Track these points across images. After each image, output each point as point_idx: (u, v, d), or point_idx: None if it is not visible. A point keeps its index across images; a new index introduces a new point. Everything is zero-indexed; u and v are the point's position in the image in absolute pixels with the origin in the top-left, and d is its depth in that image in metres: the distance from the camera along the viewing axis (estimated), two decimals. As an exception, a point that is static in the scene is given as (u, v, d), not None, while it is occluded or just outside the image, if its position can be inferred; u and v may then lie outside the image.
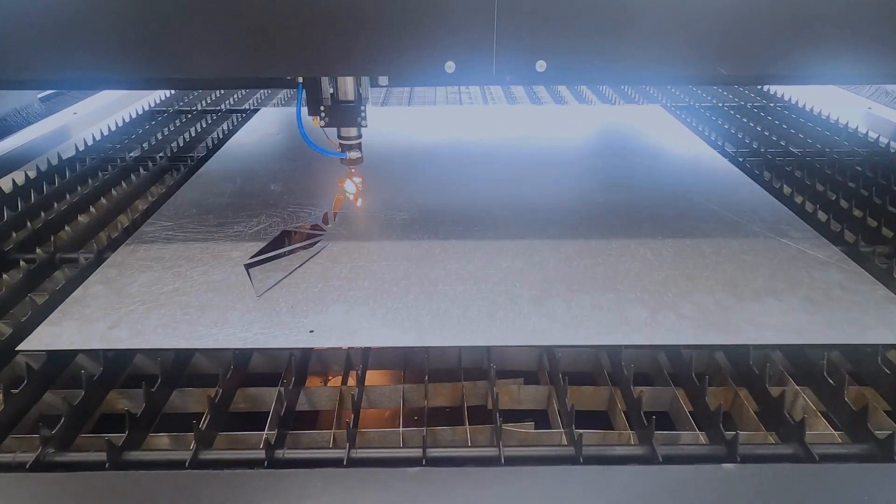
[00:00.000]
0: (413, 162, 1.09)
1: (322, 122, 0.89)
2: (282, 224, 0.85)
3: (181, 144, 1.22)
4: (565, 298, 0.67)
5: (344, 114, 0.90)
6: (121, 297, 0.68)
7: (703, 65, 0.73)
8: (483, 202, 0.91)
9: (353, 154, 0.94)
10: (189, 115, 1.43)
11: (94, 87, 1.40)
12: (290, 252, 0.77)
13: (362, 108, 0.90)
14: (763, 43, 0.69)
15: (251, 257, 0.76)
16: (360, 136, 0.94)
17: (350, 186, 0.93)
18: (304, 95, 0.87)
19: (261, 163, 1.08)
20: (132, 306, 0.66)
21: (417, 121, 1.34)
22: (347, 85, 0.90)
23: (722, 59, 0.73)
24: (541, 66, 0.74)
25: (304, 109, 0.89)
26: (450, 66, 0.73)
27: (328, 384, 0.67)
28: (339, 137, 0.93)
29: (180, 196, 0.94)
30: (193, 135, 1.29)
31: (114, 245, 0.83)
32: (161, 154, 1.17)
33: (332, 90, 0.91)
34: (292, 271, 0.73)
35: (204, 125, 1.37)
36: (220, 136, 1.29)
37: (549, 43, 0.72)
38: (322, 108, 0.89)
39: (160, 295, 0.68)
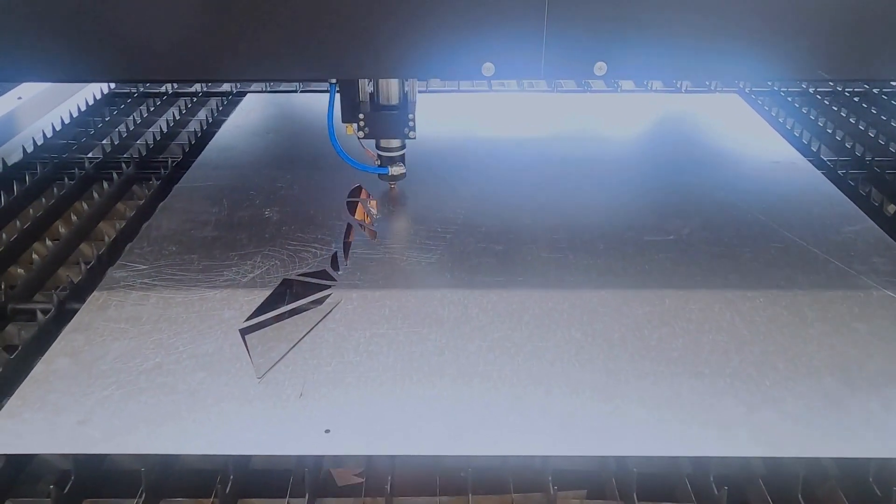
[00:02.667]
0: (438, 171, 1.06)
1: (360, 133, 0.88)
2: (282, 269, 0.83)
3: (151, 144, 1.19)
4: (637, 387, 0.65)
5: (388, 122, 0.89)
6: (91, 376, 0.67)
7: (799, 63, 0.71)
8: (527, 235, 0.89)
9: (397, 169, 0.94)
10: (159, 101, 1.40)
11: (90, 80, 1.37)
12: (295, 311, 0.75)
13: (410, 115, 0.88)
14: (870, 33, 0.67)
15: (247, 319, 0.74)
16: (404, 148, 0.92)
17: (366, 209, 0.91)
18: (336, 99, 0.85)
19: (251, 175, 1.05)
20: (106, 390, 0.65)
21: (441, 112, 1.30)
22: (391, 87, 0.89)
23: (821, 55, 0.71)
24: (600, 68, 0.72)
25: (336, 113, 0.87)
26: (488, 69, 0.71)
27: (348, 496, 0.65)
28: (379, 149, 0.92)
29: (155, 226, 0.92)
30: (166, 129, 1.26)
31: (78, 293, 0.81)
32: (128, 158, 1.15)
33: (371, 92, 0.89)
34: (299, 341, 0.71)
35: (177, 115, 1.34)
36: (200, 132, 1.26)
37: (611, 42, 0.70)
38: (361, 115, 0.87)
39: (139, 374, 0.67)
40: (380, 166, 0.94)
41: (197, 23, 0.69)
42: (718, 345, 0.71)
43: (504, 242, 0.88)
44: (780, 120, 1.30)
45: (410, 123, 0.90)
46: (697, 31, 0.69)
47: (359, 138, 0.90)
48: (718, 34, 0.70)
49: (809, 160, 1.12)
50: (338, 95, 0.88)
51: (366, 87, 0.90)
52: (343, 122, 0.89)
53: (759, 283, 0.80)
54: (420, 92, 1.38)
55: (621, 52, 0.71)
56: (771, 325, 0.74)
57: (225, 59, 0.70)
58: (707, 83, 1.45)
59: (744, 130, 1.24)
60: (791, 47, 0.70)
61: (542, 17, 0.69)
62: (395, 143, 0.93)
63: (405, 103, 0.91)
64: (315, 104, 1.35)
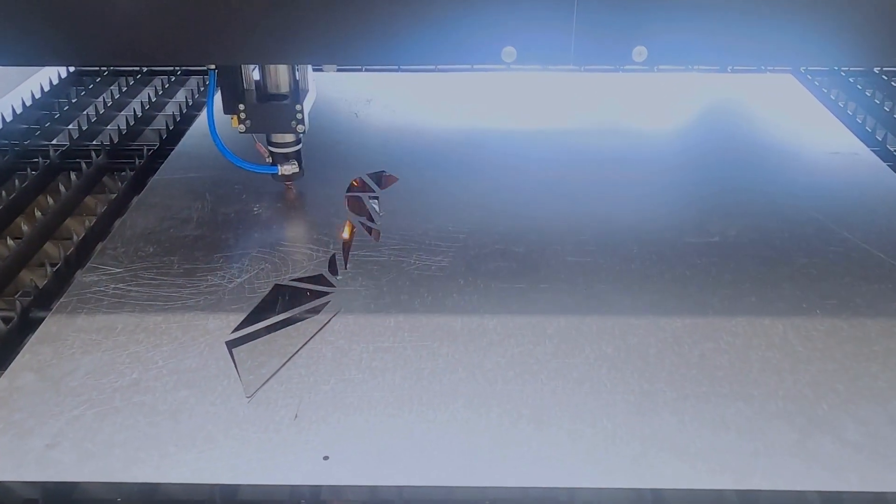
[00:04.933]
0: (450, 161, 1.07)
1: (241, 127, 0.88)
2: (273, 273, 0.84)
3: (124, 130, 1.20)
4: (676, 408, 0.66)
5: (272, 114, 0.89)
6: (60, 393, 0.67)
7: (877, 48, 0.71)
8: (550, 236, 0.90)
9: (287, 168, 0.95)
10: (132, 80, 1.41)
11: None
12: (289, 322, 0.76)
13: (298, 106, 0.88)
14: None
15: (235, 330, 0.75)
16: (298, 143, 0.93)
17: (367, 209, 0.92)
18: (215, 86, 0.87)
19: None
20: (77, 409, 0.66)
21: (452, 94, 1.31)
22: (279, 74, 0.89)
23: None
24: (639, 53, 0.73)
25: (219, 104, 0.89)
26: (509, 54, 0.72)
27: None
28: (270, 144, 0.93)
29: (130, 223, 0.93)
30: (140, 113, 1.27)
31: (43, 299, 0.82)
32: (97, 146, 1.16)
33: (256, 79, 0.90)
34: (293, 355, 0.72)
35: (153, 96, 1.35)
36: (179, 116, 1.27)
37: (651, 22, 0.71)
38: (241, 105, 0.88)
39: (114, 392, 0.68)
40: (271, 164, 0.95)
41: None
42: (769, 363, 0.71)
43: (525, 244, 0.89)
44: (841, 104, 1.30)
45: (299, 116, 0.89)
46: (754, 8, 0.69)
47: (240, 132, 0.90)
48: (779, 11, 0.70)
49: (874, 150, 1.12)
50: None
51: (250, 73, 0.90)
52: (224, 113, 0.90)
53: (815, 293, 0.80)
54: (428, 71, 1.39)
55: (664, 35, 0.71)
56: (829, 341, 0.74)
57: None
58: (757, 63, 1.45)
59: (798, 116, 1.24)
60: (867, 29, 0.70)
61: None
62: (289, 137, 0.93)
63: (295, 92, 0.91)
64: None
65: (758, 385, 0.69)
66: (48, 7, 0.70)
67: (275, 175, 0.96)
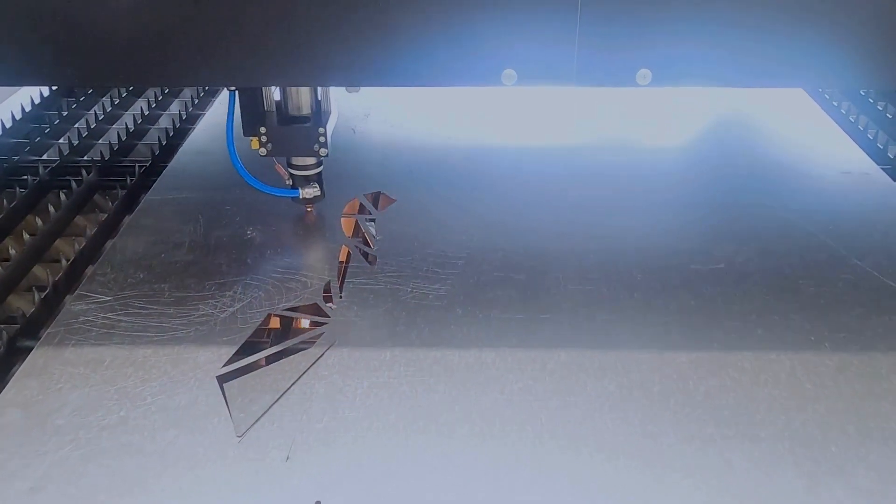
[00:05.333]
0: (448, 182, 1.07)
1: (262, 150, 0.88)
2: (266, 301, 0.83)
3: (116, 145, 1.20)
4: (681, 452, 0.65)
5: (294, 137, 0.89)
6: (46, 432, 0.67)
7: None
8: (553, 262, 0.89)
9: (309, 191, 0.94)
10: (125, 91, 1.41)
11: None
12: (282, 354, 0.75)
13: (321, 129, 0.87)
14: None
15: (226, 364, 0.74)
16: (319, 166, 0.93)
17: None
18: (235, 107, 0.87)
19: (231, 186, 1.05)
20: (62, 450, 0.65)
21: (449, 107, 1.31)
22: (301, 96, 0.89)
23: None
24: (643, 77, 0.73)
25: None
26: (509, 76, 0.72)
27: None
28: (290, 167, 0.92)
29: (120, 247, 0.93)
30: (133, 127, 1.27)
31: (30, 328, 0.82)
32: (88, 162, 1.16)
33: (277, 100, 0.90)
34: (285, 391, 0.71)
35: (146, 110, 1.34)
36: (173, 130, 1.27)
37: (656, 43, 0.70)
38: (262, 128, 0.87)
39: (101, 431, 0.67)
40: (291, 187, 0.94)
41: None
42: (776, 401, 0.70)
43: (526, 271, 0.88)
44: (852, 119, 1.30)
45: (322, 139, 0.89)
46: (766, 28, 0.69)
47: (261, 155, 0.90)
48: (792, 30, 0.69)
49: (884, 169, 1.11)
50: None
51: (271, 94, 0.89)
52: (245, 135, 0.89)
53: (824, 325, 0.80)
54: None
55: (670, 57, 0.71)
56: (839, 378, 0.73)
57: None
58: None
59: (807, 131, 1.23)
60: (888, 47, 0.69)
61: (575, 15, 0.69)
62: (309, 160, 0.92)
63: (318, 114, 0.90)
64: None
65: (764, 425, 0.68)
66: (63, 26, 0.69)
67: (296, 198, 0.95)
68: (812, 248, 0.92)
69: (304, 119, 0.89)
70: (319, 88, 0.90)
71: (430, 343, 0.77)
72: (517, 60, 0.72)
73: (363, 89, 1.38)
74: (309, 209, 0.98)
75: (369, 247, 0.93)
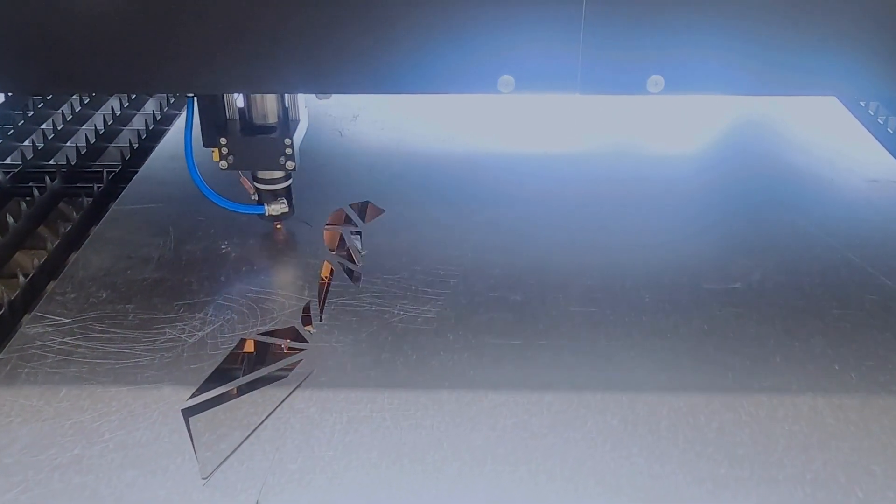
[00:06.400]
0: (440, 193, 1.05)
1: (223, 163, 0.87)
2: (239, 324, 0.81)
3: (84, 150, 1.18)
4: (691, 496, 0.63)
5: (257, 149, 0.87)
6: (-8, 473, 0.65)
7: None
8: (553, 281, 0.87)
9: (276, 207, 0.92)
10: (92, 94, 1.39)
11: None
12: (254, 385, 0.73)
13: (288, 140, 0.85)
14: None
15: (192, 395, 0.72)
16: (287, 180, 0.91)
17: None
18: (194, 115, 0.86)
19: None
20: (9, 493, 0.63)
21: (443, 113, 1.29)
22: (266, 103, 0.87)
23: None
24: (655, 84, 0.70)
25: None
26: (506, 83, 0.70)
27: None
28: (256, 181, 0.90)
29: (83, 262, 0.91)
30: (103, 129, 1.25)
31: (-19, 354, 0.80)
32: (53, 167, 1.14)
33: (241, 107, 0.88)
34: (256, 427, 0.69)
35: (118, 110, 1.32)
36: (146, 133, 1.25)
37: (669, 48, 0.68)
38: (223, 138, 0.85)
39: (53, 471, 0.65)
40: (257, 203, 0.92)
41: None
42: (796, 438, 0.68)
43: (523, 291, 0.86)
44: (881, 121, 1.27)
45: (289, 151, 0.86)
46: (790, 30, 0.66)
47: (221, 168, 0.87)
48: (819, 32, 0.66)
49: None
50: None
51: (233, 102, 0.87)
52: (204, 146, 0.87)
53: (849, 352, 0.77)
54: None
55: (683, 62, 0.69)
56: (864, 412, 0.71)
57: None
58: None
59: (832, 135, 1.21)
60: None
61: (580, 18, 0.67)
62: (277, 173, 0.90)
63: (284, 124, 0.88)
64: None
65: (783, 466, 0.66)
66: (11, 31, 0.67)
67: (262, 215, 0.92)
68: (836, 265, 0.90)
69: (270, 129, 0.87)
70: (287, 95, 0.88)
71: (417, 372, 0.75)
72: (515, 66, 0.69)
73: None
74: (278, 226, 0.95)
75: (354, 263, 0.91)
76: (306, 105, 0.92)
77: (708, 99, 1.33)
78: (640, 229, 0.97)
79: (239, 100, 0.88)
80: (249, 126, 0.87)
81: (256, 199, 0.92)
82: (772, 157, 1.15)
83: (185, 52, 0.67)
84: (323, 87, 0.72)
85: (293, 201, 0.93)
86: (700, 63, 0.68)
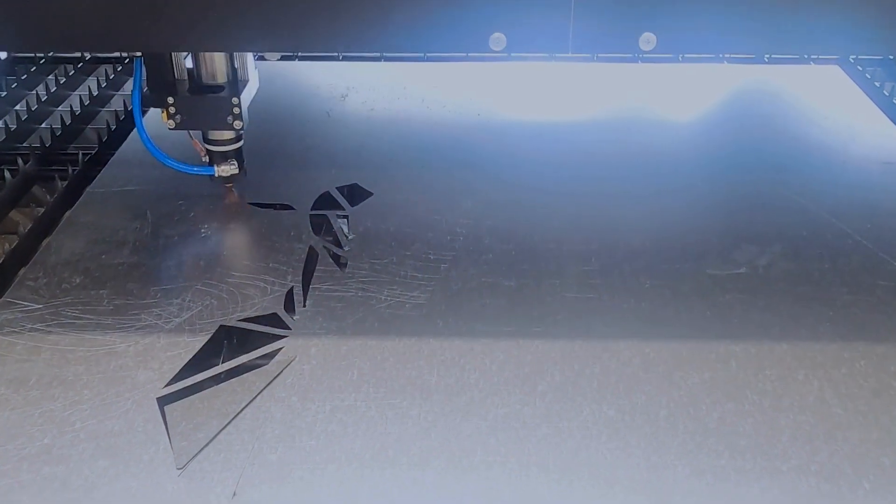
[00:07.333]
0: (431, 172, 1.05)
1: (171, 123, 0.90)
2: (219, 310, 0.81)
3: (59, 132, 1.18)
4: (690, 488, 0.63)
5: (204, 108, 0.90)
6: (-44, 463, 0.64)
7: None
8: (549, 266, 0.87)
9: (226, 168, 0.95)
10: (73, 69, 1.39)
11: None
12: (234, 373, 0.73)
13: (235, 98, 0.88)
14: None
15: (168, 383, 0.72)
16: (238, 140, 0.95)
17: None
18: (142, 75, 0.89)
19: (185, 177, 1.03)
20: (-26, 484, 0.63)
21: (437, 88, 1.28)
22: (214, 62, 0.91)
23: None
24: (647, 41, 0.70)
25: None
26: (497, 41, 0.70)
27: None
28: (206, 142, 0.95)
29: (56, 246, 0.90)
30: (79, 110, 1.24)
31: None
32: (26, 149, 1.13)
33: (189, 67, 0.92)
34: (235, 416, 0.69)
35: (97, 89, 1.32)
36: (123, 114, 1.25)
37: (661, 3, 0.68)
38: (171, 98, 0.87)
39: (21, 462, 0.65)
40: (208, 164, 0.95)
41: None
42: (802, 429, 0.68)
43: (517, 276, 0.86)
44: (895, 101, 1.27)
45: (236, 110, 0.89)
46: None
47: (169, 129, 0.91)
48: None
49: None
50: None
51: (182, 62, 0.90)
52: (152, 106, 0.91)
53: (859, 339, 0.77)
54: (415, 60, 1.36)
55: (677, 18, 0.69)
56: (875, 402, 0.70)
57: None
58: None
59: (843, 115, 1.21)
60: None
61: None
62: (227, 133, 0.92)
63: (233, 83, 0.91)
64: (279, 75, 1.33)
65: (787, 458, 0.65)
66: None
67: (212, 176, 0.95)
68: (846, 250, 0.90)
69: (217, 88, 0.90)
70: (236, 55, 0.91)
71: (404, 360, 0.75)
72: (505, 22, 0.69)
73: (342, 64, 1.37)
74: (228, 186, 0.98)
75: (340, 247, 0.90)
76: (256, 67, 0.95)
77: (707, 73, 1.33)
78: (639, 212, 0.97)
79: (188, 60, 0.91)
80: (197, 86, 0.90)
81: (207, 160, 0.94)
82: (776, 136, 1.15)
83: (134, 10, 0.67)
84: (283, 45, 0.73)
85: (244, 163, 0.96)
86: (693, 21, 0.68)
